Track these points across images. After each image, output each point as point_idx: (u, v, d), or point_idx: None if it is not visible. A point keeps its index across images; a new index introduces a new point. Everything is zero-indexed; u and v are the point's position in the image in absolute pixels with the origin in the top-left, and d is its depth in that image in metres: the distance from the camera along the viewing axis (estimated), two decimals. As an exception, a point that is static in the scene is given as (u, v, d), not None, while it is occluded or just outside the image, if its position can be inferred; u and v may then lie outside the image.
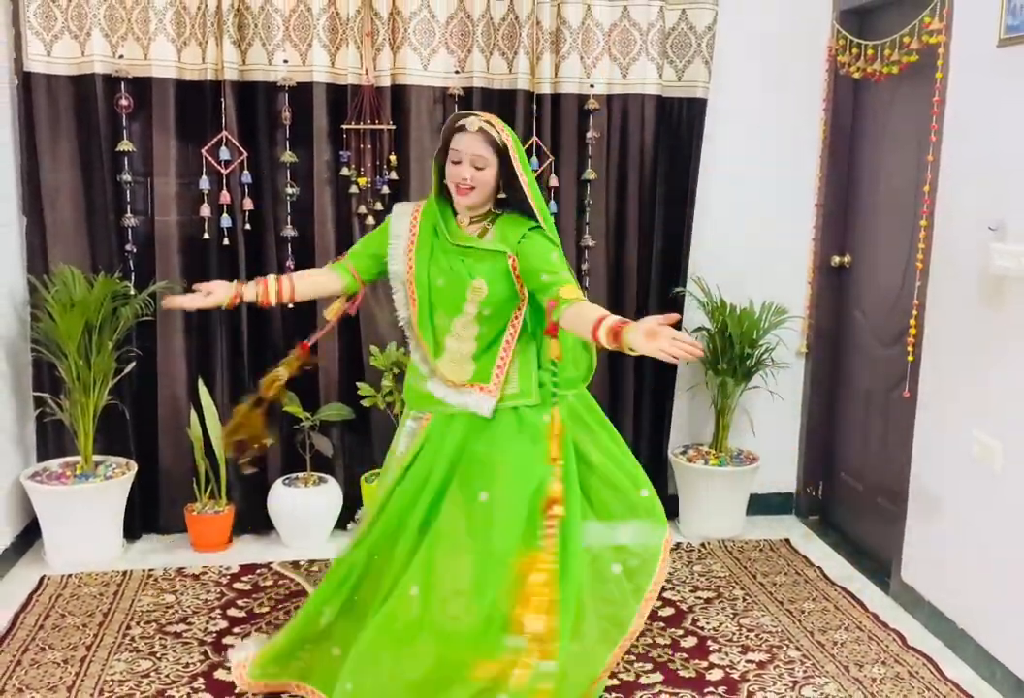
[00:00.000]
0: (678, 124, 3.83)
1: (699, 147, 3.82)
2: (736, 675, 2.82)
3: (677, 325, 1.98)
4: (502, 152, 2.32)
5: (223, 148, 3.56)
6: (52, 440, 3.71)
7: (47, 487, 3.47)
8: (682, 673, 2.83)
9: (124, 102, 3.53)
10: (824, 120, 3.94)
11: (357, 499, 3.81)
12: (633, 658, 2.90)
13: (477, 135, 2.31)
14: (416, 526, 2.42)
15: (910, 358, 3.30)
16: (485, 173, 2.32)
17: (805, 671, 2.85)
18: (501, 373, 2.38)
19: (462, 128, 2.33)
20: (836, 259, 3.97)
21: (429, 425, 2.47)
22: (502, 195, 2.43)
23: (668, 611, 3.23)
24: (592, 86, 3.73)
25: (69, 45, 3.47)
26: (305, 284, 2.60)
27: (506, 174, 2.35)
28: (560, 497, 2.21)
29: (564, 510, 2.23)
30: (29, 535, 3.64)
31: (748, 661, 2.90)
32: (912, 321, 3.29)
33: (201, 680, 2.75)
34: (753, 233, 3.97)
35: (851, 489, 3.91)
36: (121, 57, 3.50)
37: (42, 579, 3.39)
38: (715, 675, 2.82)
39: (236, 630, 3.06)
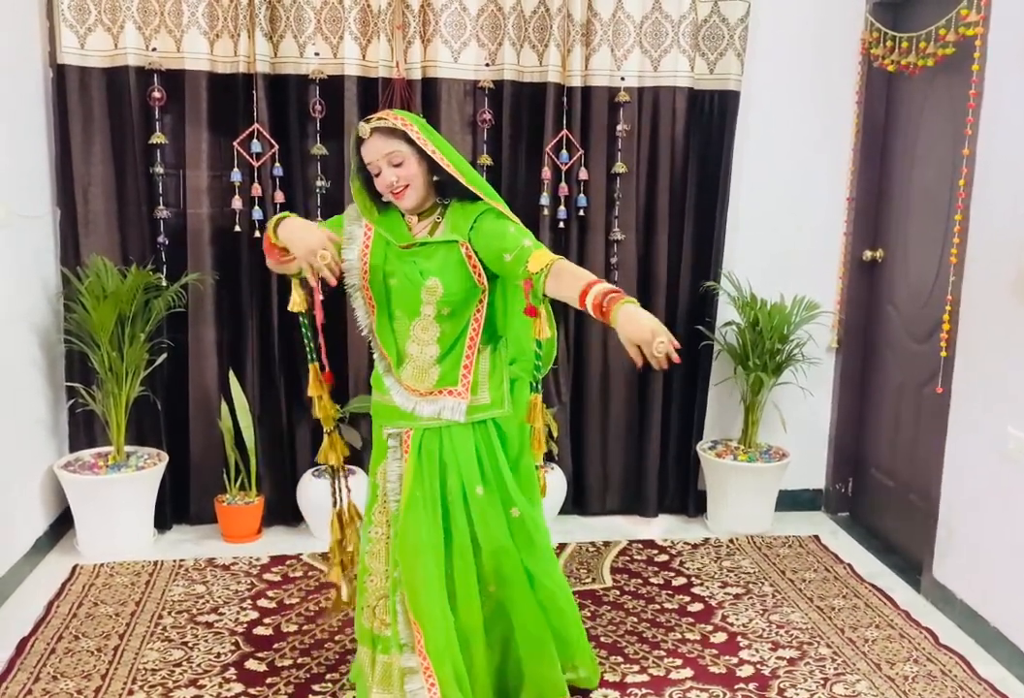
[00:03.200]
0: (709, 117, 3.80)
1: (731, 140, 3.80)
2: (767, 671, 2.81)
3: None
4: (410, 139, 2.18)
5: (255, 141, 3.57)
6: (84, 430, 3.74)
7: (80, 477, 3.50)
8: (712, 669, 2.82)
9: (157, 95, 3.54)
10: (857, 113, 3.90)
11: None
12: (663, 654, 2.89)
13: (376, 136, 2.19)
14: (441, 547, 2.33)
15: (943, 354, 3.27)
16: (407, 167, 2.19)
17: (836, 668, 2.84)
18: (468, 373, 2.27)
19: (360, 141, 2.22)
20: (868, 254, 3.94)
21: (412, 443, 2.32)
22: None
23: (697, 607, 3.22)
24: (623, 79, 3.72)
25: (102, 38, 3.49)
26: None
27: (427, 158, 2.20)
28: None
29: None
30: (62, 524, 3.68)
31: (778, 658, 2.89)
32: (946, 316, 3.26)
33: (233, 670, 2.77)
34: (785, 227, 3.95)
35: (881, 486, 3.88)
36: (154, 50, 3.52)
37: (74, 568, 3.43)
38: (745, 671, 2.81)
39: (267, 621, 3.07)
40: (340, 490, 2.56)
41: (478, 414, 2.31)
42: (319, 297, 2.33)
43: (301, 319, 2.39)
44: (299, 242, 2.19)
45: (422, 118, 2.27)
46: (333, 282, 2.22)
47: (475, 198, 2.26)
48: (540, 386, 2.32)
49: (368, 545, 2.47)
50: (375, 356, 2.38)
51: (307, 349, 2.43)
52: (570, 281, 2.02)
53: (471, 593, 2.33)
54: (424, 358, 2.29)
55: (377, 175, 2.23)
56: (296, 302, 2.33)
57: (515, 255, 2.10)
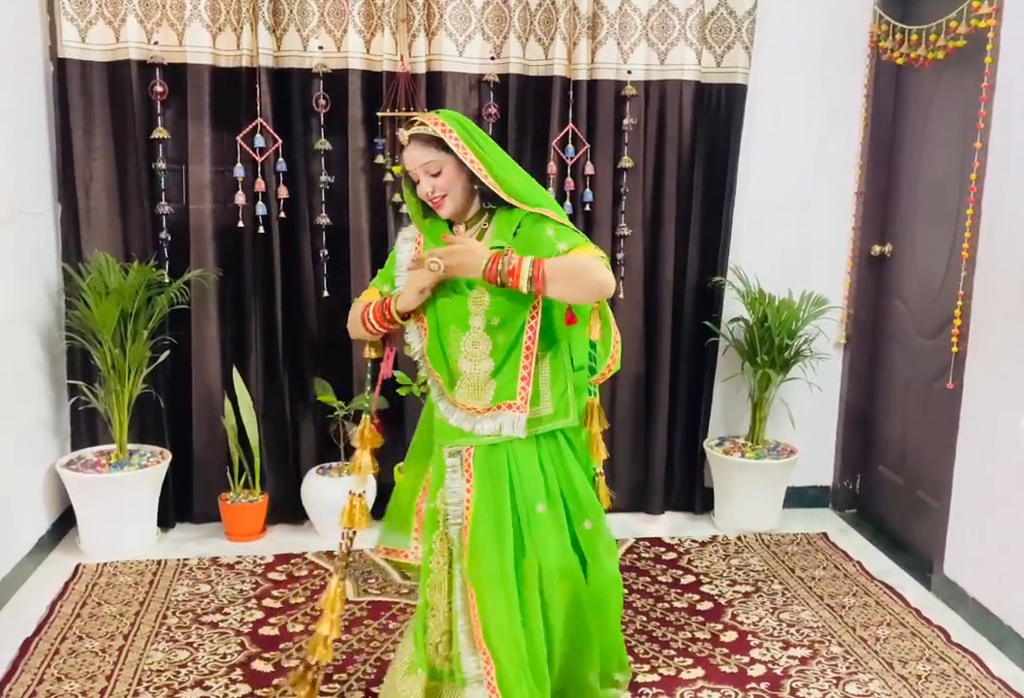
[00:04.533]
0: (717, 111, 3.77)
1: (738, 134, 3.76)
2: (778, 671, 2.78)
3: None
4: (448, 145, 2.07)
5: (258, 135, 3.54)
6: (87, 428, 3.71)
7: (82, 475, 3.47)
8: (723, 668, 2.79)
9: (159, 89, 3.51)
10: (865, 107, 3.87)
11: (391, 489, 3.76)
12: (673, 653, 2.87)
13: (413, 144, 2.10)
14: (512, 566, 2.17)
15: (955, 349, 3.24)
16: (444, 176, 2.09)
17: (848, 667, 2.81)
18: (527, 384, 2.10)
19: (402, 147, 2.13)
20: (877, 248, 3.90)
21: (475, 461, 2.18)
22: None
23: (707, 605, 3.19)
24: (629, 72, 3.68)
25: (103, 31, 3.45)
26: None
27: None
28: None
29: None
30: (64, 523, 3.65)
31: (790, 657, 2.86)
32: (957, 312, 3.23)
33: (239, 671, 2.74)
34: (792, 222, 3.92)
35: (890, 482, 3.86)
36: (156, 43, 3.48)
37: (77, 567, 3.40)
38: (757, 671, 2.78)
39: (272, 620, 3.04)
40: (348, 552, 2.38)
41: (541, 426, 2.16)
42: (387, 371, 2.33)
43: (368, 366, 2.36)
44: (408, 296, 2.12)
45: (465, 118, 2.15)
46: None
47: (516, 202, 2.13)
48: (597, 390, 2.24)
49: (429, 577, 2.27)
50: (428, 382, 2.24)
51: (366, 399, 2.36)
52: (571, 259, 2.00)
53: (538, 619, 2.17)
54: (478, 374, 2.14)
55: (417, 182, 2.14)
56: (370, 351, 2.31)
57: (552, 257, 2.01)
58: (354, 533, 2.37)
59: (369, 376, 2.38)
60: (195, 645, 2.89)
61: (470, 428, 2.15)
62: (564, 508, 2.19)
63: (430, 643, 2.30)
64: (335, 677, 2.72)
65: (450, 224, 2.22)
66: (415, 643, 2.32)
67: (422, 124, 2.09)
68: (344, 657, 2.83)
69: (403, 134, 2.12)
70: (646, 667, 2.79)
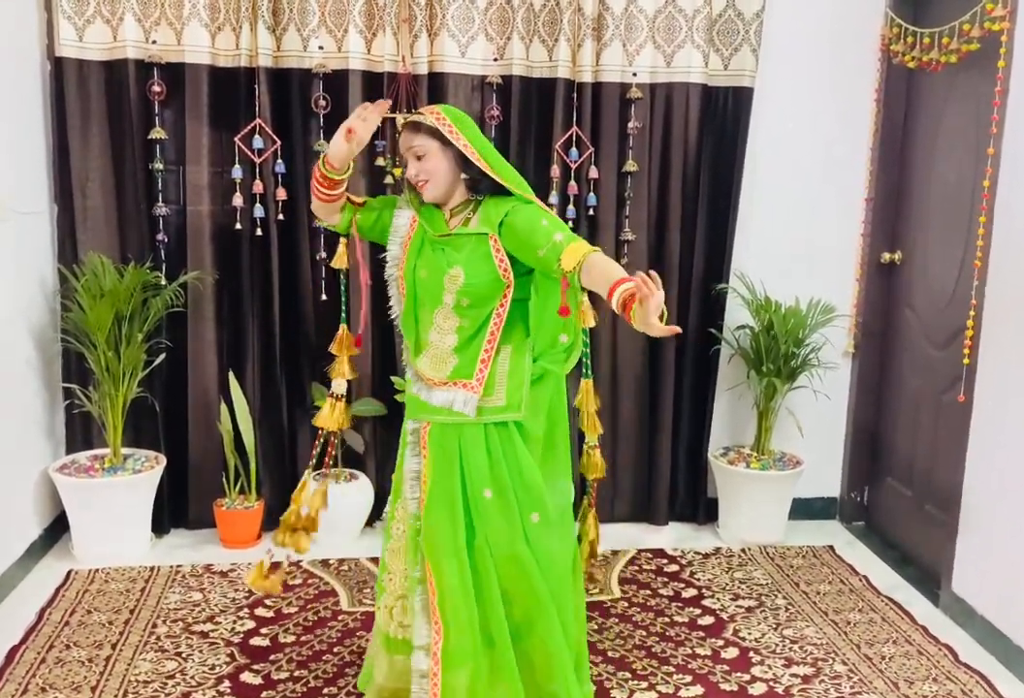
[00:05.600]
0: (723, 114, 3.70)
1: (745, 138, 3.69)
2: (780, 689, 2.70)
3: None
4: (440, 135, 2.18)
5: (256, 136, 3.49)
6: (81, 432, 3.66)
7: (75, 480, 3.42)
8: (723, 686, 2.72)
9: (156, 88, 3.46)
10: (875, 111, 3.79)
11: (388, 496, 3.73)
12: (672, 670, 2.80)
13: (408, 130, 2.22)
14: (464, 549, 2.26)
15: (966, 361, 3.16)
16: (429, 161, 2.19)
17: (852, 687, 2.73)
18: (484, 367, 2.22)
19: (399, 133, 2.27)
20: (886, 256, 3.83)
21: (428, 438, 2.28)
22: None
23: (708, 620, 3.12)
24: (634, 74, 3.62)
25: (101, 30, 3.41)
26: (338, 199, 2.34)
27: (458, 154, 2.19)
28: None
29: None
30: (57, 528, 3.60)
31: (792, 675, 2.79)
32: (969, 322, 3.15)
33: (227, 683, 2.68)
34: (800, 228, 3.85)
35: (899, 495, 3.77)
36: (154, 42, 3.43)
37: (69, 573, 3.35)
38: (758, 689, 2.71)
39: (264, 631, 2.98)
40: (321, 455, 2.55)
41: (492, 415, 2.24)
42: (362, 258, 2.47)
43: (341, 277, 2.51)
44: (336, 138, 2.19)
45: (464, 114, 2.26)
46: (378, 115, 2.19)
47: (508, 193, 2.23)
48: (590, 371, 2.28)
49: (389, 542, 2.43)
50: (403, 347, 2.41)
51: (342, 309, 2.53)
52: (598, 278, 1.99)
53: (494, 596, 2.24)
54: (443, 347, 2.26)
55: (405, 166, 2.27)
56: (339, 256, 2.40)
57: (548, 250, 2.07)
58: (330, 435, 2.50)
59: (343, 287, 2.53)
60: (184, 655, 2.83)
61: (426, 397, 2.27)
62: (515, 499, 2.24)
63: (385, 606, 2.42)
64: (325, 691, 2.66)
65: (440, 209, 2.31)
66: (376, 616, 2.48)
67: (419, 113, 2.23)
68: (335, 670, 2.77)
69: (401, 120, 2.29)
70: (644, 684, 2.72)
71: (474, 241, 2.21)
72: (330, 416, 2.46)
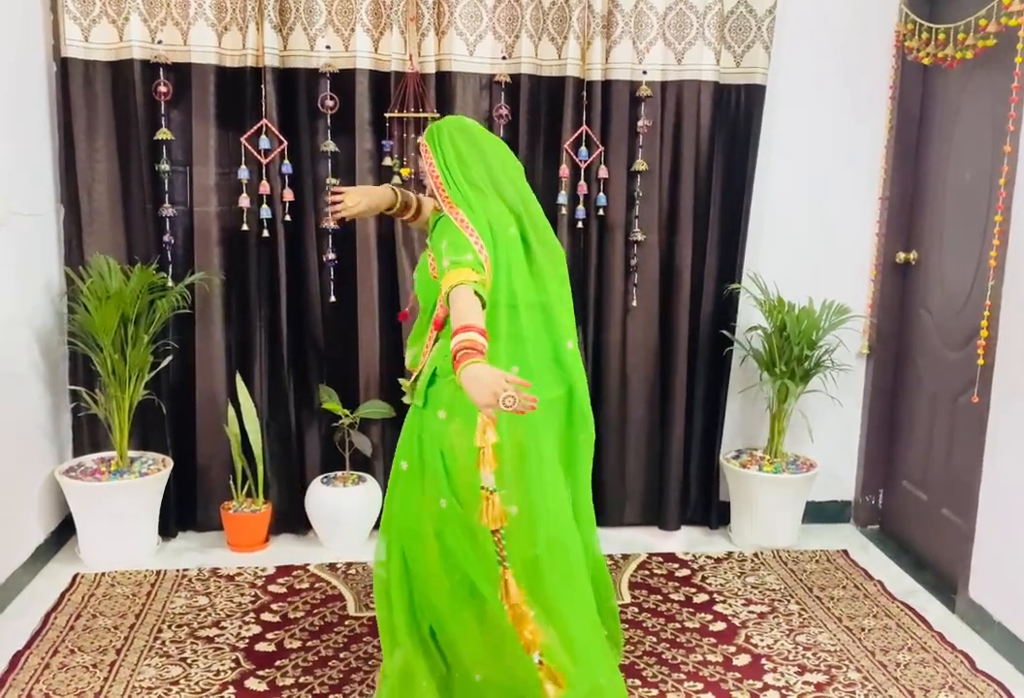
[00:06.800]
0: (735, 112, 3.64)
1: (757, 136, 3.64)
2: (793, 697, 2.66)
3: None
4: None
5: (263, 137, 3.46)
6: (87, 435, 3.64)
7: (81, 483, 3.40)
8: (735, 694, 2.67)
9: (163, 89, 3.43)
10: (890, 109, 3.74)
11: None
12: (683, 677, 2.75)
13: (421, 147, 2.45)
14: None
15: (981, 362, 3.10)
16: (430, 174, 2.39)
17: (867, 695, 2.68)
18: (424, 360, 2.41)
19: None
20: (901, 256, 3.77)
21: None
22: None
23: (720, 626, 3.07)
24: (645, 72, 3.57)
25: (107, 30, 3.39)
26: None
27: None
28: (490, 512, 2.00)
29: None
30: (63, 532, 3.58)
31: (805, 682, 2.74)
32: (984, 323, 3.09)
33: (232, 689, 2.65)
34: (813, 228, 3.79)
35: (914, 498, 3.72)
36: (160, 42, 3.41)
37: (75, 577, 3.32)
38: (770, 697, 2.66)
39: (270, 636, 2.95)
40: None
41: (417, 399, 2.40)
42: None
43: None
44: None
45: (460, 124, 2.41)
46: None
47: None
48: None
49: None
50: None
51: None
52: (453, 314, 2.07)
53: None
54: (412, 337, 2.53)
55: None
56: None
57: (439, 270, 2.25)
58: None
59: None
60: (188, 661, 2.80)
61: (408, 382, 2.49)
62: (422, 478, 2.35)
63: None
64: (330, 697, 2.62)
65: None
66: None
67: (425, 115, 2.58)
68: (341, 676, 2.73)
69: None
70: (654, 691, 2.67)
71: (426, 250, 2.43)
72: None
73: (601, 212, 3.63)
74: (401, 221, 2.71)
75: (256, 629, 3.00)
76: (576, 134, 3.55)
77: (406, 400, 2.49)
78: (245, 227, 3.51)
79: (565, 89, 3.51)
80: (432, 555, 2.34)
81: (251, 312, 3.60)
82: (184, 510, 3.72)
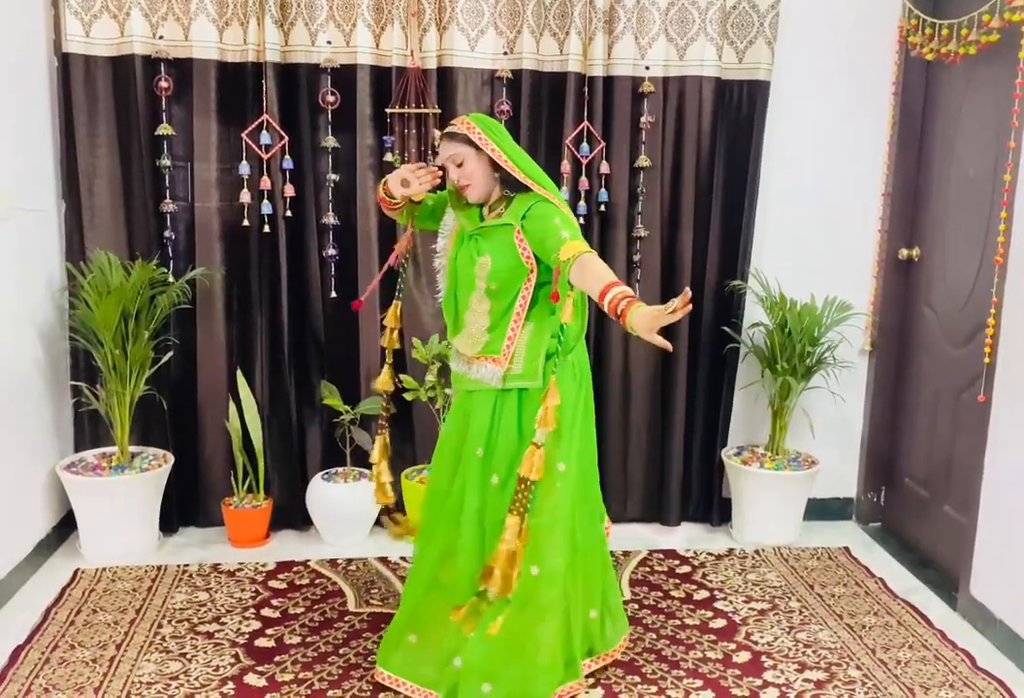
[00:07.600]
0: (738, 108, 3.63)
1: (760, 132, 3.63)
2: (792, 695, 2.65)
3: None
4: (472, 140, 2.44)
5: (264, 132, 3.45)
6: (88, 430, 3.64)
7: (83, 478, 3.40)
8: (735, 691, 2.66)
9: (164, 84, 3.43)
10: (893, 105, 3.72)
11: (398, 495, 3.68)
12: (683, 674, 2.74)
13: (443, 140, 2.50)
14: (455, 507, 2.55)
15: (986, 360, 3.09)
16: (467, 166, 2.46)
17: (867, 692, 2.67)
18: (511, 344, 2.45)
19: (437, 146, 2.59)
20: (904, 252, 3.76)
21: (454, 403, 2.64)
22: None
23: (720, 623, 3.06)
24: (647, 68, 3.56)
25: (108, 25, 3.38)
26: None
27: (490, 157, 2.44)
28: (534, 463, 2.24)
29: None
30: (64, 527, 3.58)
31: (805, 680, 2.73)
32: (989, 320, 3.08)
33: (231, 685, 2.65)
34: (816, 224, 3.78)
35: (916, 496, 3.71)
36: (161, 38, 3.40)
37: (76, 572, 3.33)
38: (770, 694, 2.65)
39: (269, 631, 2.95)
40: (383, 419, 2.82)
41: (509, 382, 2.47)
42: (409, 242, 2.80)
43: (404, 263, 2.85)
44: (392, 180, 2.54)
45: (492, 119, 2.51)
46: (429, 182, 2.53)
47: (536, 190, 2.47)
48: (557, 368, 2.39)
49: None
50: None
51: (398, 288, 2.76)
52: (591, 278, 2.19)
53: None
54: (477, 326, 2.51)
55: (448, 172, 2.54)
56: (403, 240, 2.77)
57: (552, 242, 2.30)
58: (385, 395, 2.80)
59: (403, 269, 2.86)
60: (188, 656, 2.80)
61: (463, 371, 2.56)
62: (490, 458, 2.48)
63: None
64: (329, 693, 2.62)
65: (480, 207, 2.56)
66: None
67: (452, 125, 2.50)
68: (340, 672, 2.73)
69: (436, 134, 2.55)
70: (653, 688, 2.67)
71: (501, 231, 2.44)
72: (387, 378, 2.80)
73: (603, 208, 3.62)
74: (388, 210, 2.70)
75: (256, 625, 3.00)
76: (578, 130, 3.54)
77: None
78: (246, 222, 3.51)
79: (567, 85, 3.50)
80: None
81: (252, 308, 3.60)
82: (185, 505, 3.72)
